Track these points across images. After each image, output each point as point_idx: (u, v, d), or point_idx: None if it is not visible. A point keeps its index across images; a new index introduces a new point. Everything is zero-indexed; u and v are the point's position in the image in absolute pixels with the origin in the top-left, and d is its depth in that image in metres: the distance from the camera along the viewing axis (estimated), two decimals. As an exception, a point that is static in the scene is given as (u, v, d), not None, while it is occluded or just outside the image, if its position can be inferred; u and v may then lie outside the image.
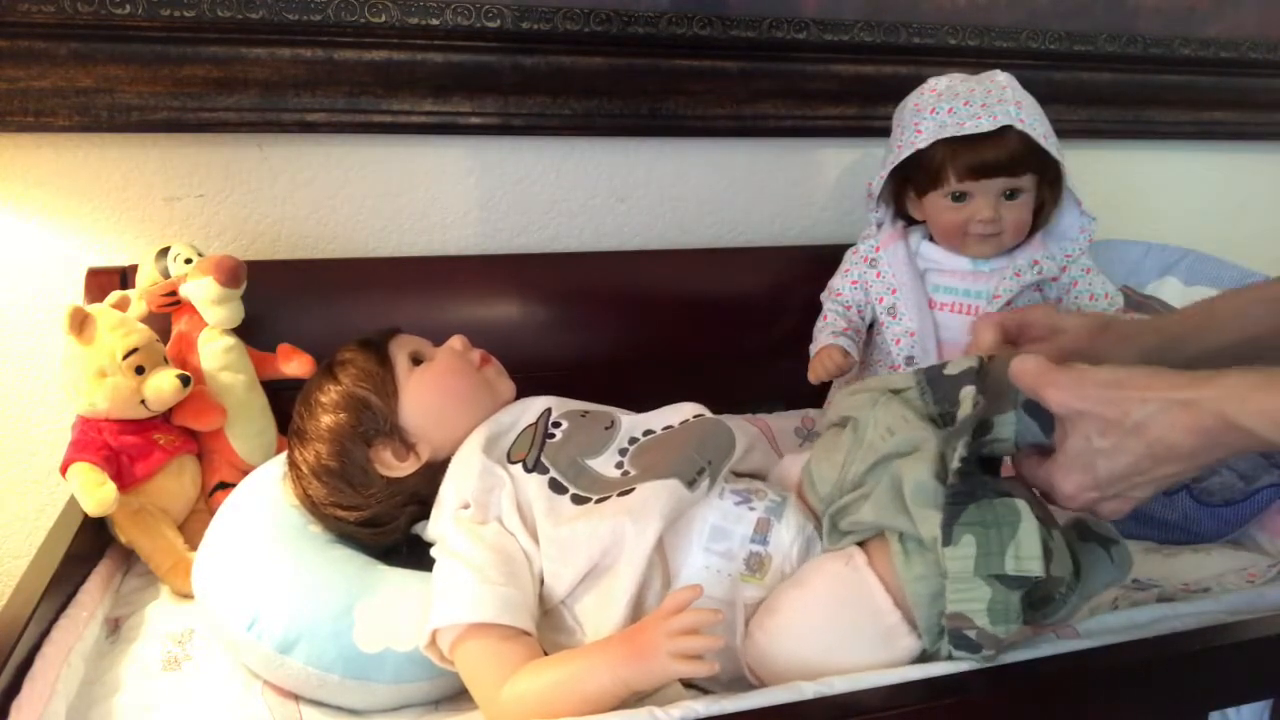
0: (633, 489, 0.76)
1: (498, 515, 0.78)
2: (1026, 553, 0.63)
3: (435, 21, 1.12)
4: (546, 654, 0.73)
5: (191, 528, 0.97)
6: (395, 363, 0.86)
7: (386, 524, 0.84)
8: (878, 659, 0.68)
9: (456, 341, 0.90)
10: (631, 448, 0.84)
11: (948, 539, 0.64)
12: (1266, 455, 1.05)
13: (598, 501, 0.77)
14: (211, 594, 0.80)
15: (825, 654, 0.69)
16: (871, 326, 1.21)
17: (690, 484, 0.77)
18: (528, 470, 0.81)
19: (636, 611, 0.72)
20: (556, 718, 0.65)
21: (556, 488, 0.79)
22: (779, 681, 0.68)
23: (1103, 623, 0.80)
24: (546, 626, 0.75)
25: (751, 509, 0.78)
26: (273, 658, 0.75)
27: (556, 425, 0.86)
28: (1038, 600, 0.68)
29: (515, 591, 0.73)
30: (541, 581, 0.76)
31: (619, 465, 0.82)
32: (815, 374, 1.09)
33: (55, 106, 1.05)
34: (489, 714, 0.70)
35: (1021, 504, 0.64)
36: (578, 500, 0.78)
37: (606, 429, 0.86)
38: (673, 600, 0.66)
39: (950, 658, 0.69)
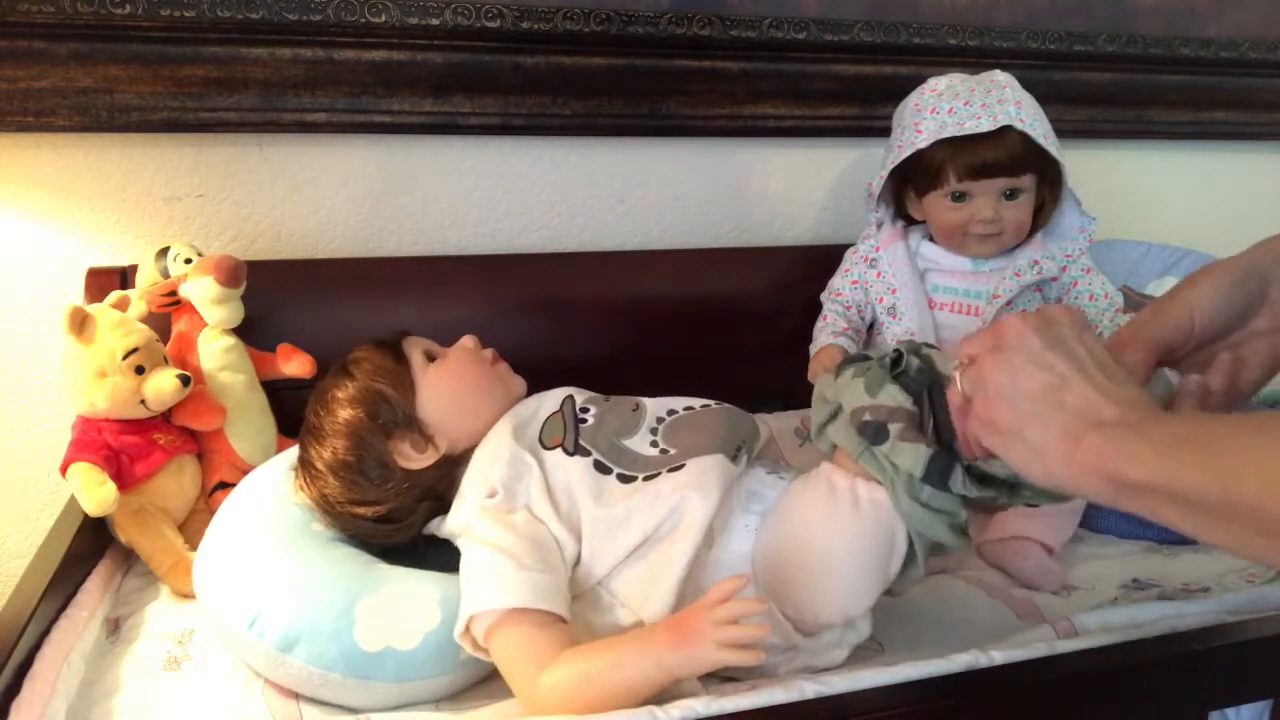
0: (683, 465, 0.79)
1: (526, 503, 0.79)
2: (890, 349, 0.72)
3: (435, 21, 1.12)
4: (579, 637, 0.74)
5: (191, 528, 0.97)
6: (410, 358, 0.87)
7: (403, 520, 0.84)
8: (858, 516, 0.72)
9: (468, 340, 0.92)
10: (661, 426, 0.86)
11: (838, 375, 0.74)
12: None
13: (646, 479, 0.79)
14: (212, 593, 0.80)
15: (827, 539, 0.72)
16: (871, 326, 1.21)
17: (733, 459, 0.80)
18: (569, 454, 0.82)
19: (688, 578, 0.74)
20: (597, 704, 0.65)
21: (601, 468, 0.81)
22: (789, 574, 0.73)
23: (1103, 620, 0.80)
24: (581, 608, 0.76)
25: (781, 478, 0.81)
26: (273, 656, 0.75)
27: (585, 410, 0.87)
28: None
29: (549, 577, 0.73)
30: (576, 564, 0.77)
31: (654, 444, 0.84)
32: (815, 374, 1.09)
33: (55, 106, 1.05)
34: (527, 700, 0.70)
35: (899, 344, 0.74)
36: (624, 479, 0.80)
37: (634, 411, 0.88)
38: (718, 589, 0.67)
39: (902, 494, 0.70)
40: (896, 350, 0.71)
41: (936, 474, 0.67)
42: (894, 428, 0.68)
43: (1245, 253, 0.65)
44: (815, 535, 0.72)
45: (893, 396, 0.69)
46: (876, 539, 0.71)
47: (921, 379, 0.69)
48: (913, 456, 0.67)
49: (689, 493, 0.76)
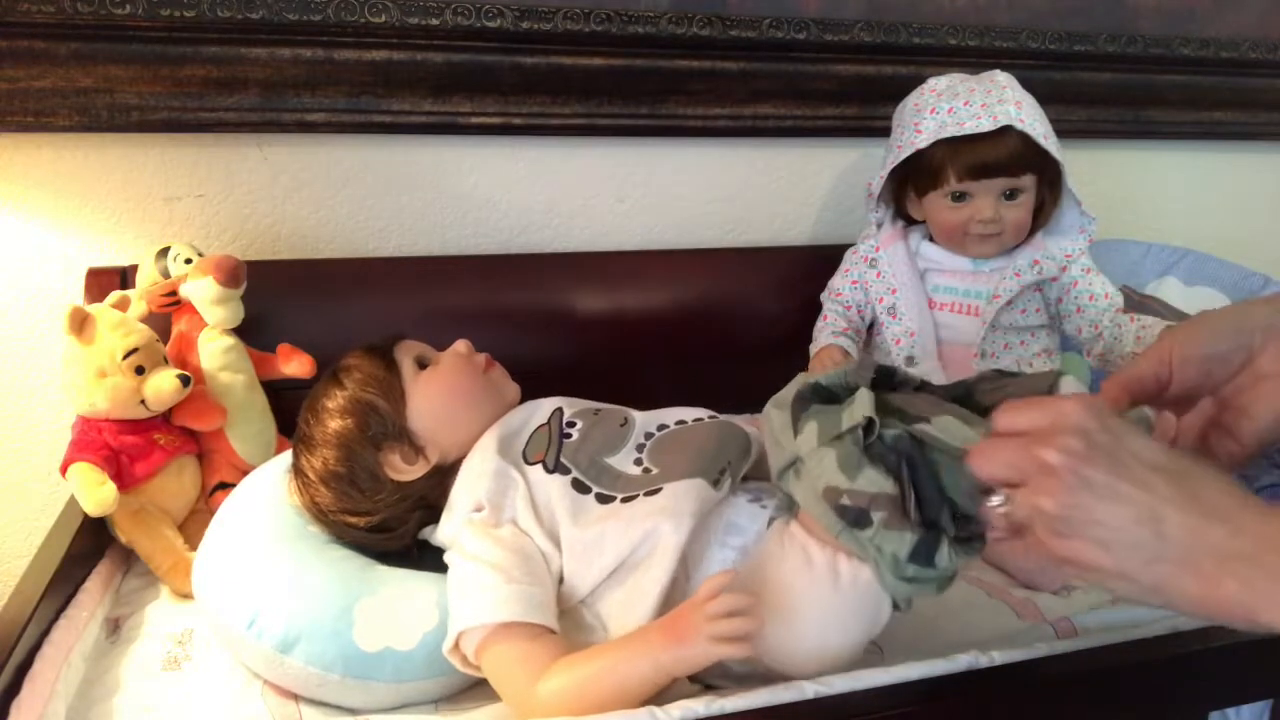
0: (660, 489, 0.77)
1: (512, 517, 0.78)
2: (859, 409, 0.64)
3: (435, 21, 1.12)
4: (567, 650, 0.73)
5: (191, 528, 0.97)
6: (401, 367, 0.86)
7: (395, 529, 0.84)
8: (840, 595, 0.67)
9: (461, 345, 0.90)
10: (648, 443, 0.84)
11: (796, 432, 0.67)
12: (1267, 455, 1.05)
13: (623, 500, 0.78)
14: (211, 593, 0.80)
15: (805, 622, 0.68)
16: (871, 326, 1.21)
17: (715, 484, 0.77)
18: (549, 471, 0.81)
19: (666, 604, 0.73)
20: (595, 709, 0.65)
21: (580, 487, 0.80)
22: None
23: (1103, 620, 0.81)
24: (565, 627, 0.75)
25: (764, 508, 0.78)
26: (273, 657, 0.75)
27: (571, 425, 0.86)
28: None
29: (538, 590, 0.73)
30: (560, 581, 0.76)
31: (638, 462, 0.83)
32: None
33: (55, 106, 1.05)
34: (523, 712, 0.70)
35: (863, 391, 0.66)
36: (602, 499, 0.79)
37: (621, 426, 0.86)
38: (708, 585, 0.67)
39: (880, 562, 0.65)
40: (868, 418, 0.64)
41: (923, 555, 0.63)
42: (877, 516, 0.63)
43: (1249, 301, 0.63)
44: (794, 606, 0.68)
45: (872, 481, 0.63)
46: (859, 614, 0.68)
47: (901, 448, 0.63)
48: (898, 542, 0.63)
49: (661, 520, 0.74)
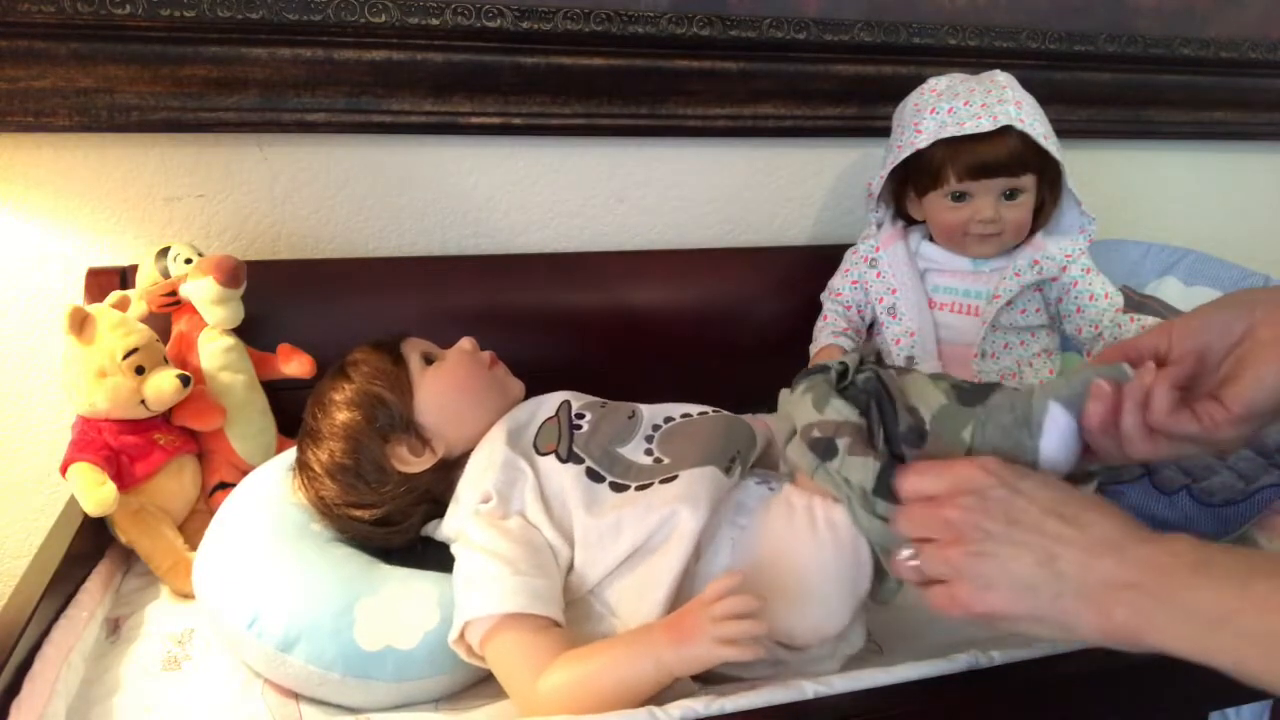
0: (676, 476, 0.78)
1: (520, 509, 0.79)
2: (838, 363, 0.72)
3: (435, 21, 1.12)
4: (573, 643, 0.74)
5: (191, 528, 0.97)
6: (409, 361, 0.87)
7: (400, 522, 0.84)
8: (818, 539, 0.71)
9: (466, 343, 0.91)
10: (656, 434, 0.85)
11: (793, 390, 0.73)
12: (1266, 455, 1.05)
13: (638, 488, 0.79)
14: (212, 592, 0.80)
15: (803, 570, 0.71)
16: (871, 326, 1.21)
17: (726, 471, 0.79)
18: (562, 461, 0.82)
19: (679, 588, 0.73)
20: (596, 706, 0.65)
21: (594, 476, 0.81)
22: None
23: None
24: (572, 617, 0.76)
25: (771, 489, 0.80)
26: (273, 656, 0.76)
27: (580, 417, 0.87)
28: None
29: (544, 582, 0.73)
30: (570, 571, 0.77)
31: (648, 452, 0.84)
32: (815, 374, 1.09)
33: (55, 106, 1.05)
34: (525, 706, 0.70)
35: (853, 355, 0.73)
36: (617, 488, 0.80)
37: (630, 418, 0.87)
38: (715, 587, 0.67)
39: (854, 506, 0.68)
40: (842, 363, 0.70)
41: (888, 486, 0.65)
42: (841, 442, 0.67)
43: (1253, 289, 0.65)
44: (779, 557, 0.71)
45: (838, 410, 0.68)
46: (838, 558, 0.70)
47: (869, 388, 0.68)
48: (862, 470, 0.66)
49: (679, 506, 0.75)
